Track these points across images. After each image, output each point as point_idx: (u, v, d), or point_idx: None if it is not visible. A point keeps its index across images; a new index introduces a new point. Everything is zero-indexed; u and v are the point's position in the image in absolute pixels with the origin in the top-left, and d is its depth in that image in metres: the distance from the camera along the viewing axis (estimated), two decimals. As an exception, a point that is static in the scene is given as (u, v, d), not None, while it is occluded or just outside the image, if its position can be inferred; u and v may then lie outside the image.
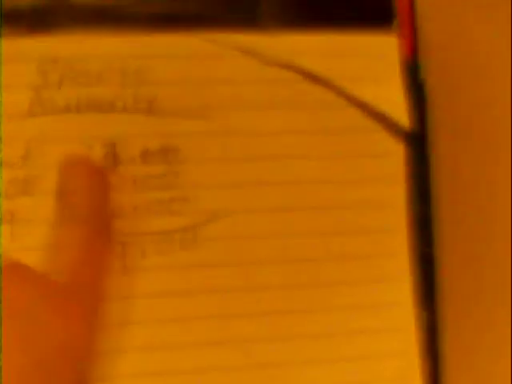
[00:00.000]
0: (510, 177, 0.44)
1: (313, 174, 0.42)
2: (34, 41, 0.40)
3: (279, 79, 0.41)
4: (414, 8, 0.43)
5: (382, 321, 0.42)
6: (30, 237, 0.39)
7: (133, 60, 0.40)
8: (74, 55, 0.40)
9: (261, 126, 0.41)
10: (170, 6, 0.41)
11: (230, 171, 0.41)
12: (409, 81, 0.42)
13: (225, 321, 0.41)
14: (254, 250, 0.41)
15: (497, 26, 0.44)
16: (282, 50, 0.41)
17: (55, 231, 0.36)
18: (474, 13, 0.44)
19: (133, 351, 0.40)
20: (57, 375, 0.32)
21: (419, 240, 0.42)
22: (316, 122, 0.42)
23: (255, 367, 0.41)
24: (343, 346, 0.42)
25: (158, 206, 0.40)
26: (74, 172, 0.38)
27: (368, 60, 0.42)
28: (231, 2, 0.41)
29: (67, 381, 0.32)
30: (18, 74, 0.40)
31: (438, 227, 0.42)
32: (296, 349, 0.41)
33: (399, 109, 0.42)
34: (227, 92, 0.41)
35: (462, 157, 0.44)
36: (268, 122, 0.41)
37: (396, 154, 0.42)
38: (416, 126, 0.42)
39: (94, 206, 0.37)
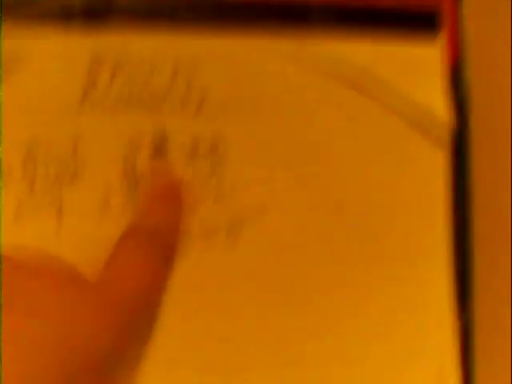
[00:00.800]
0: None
1: (353, 180, 0.43)
2: (85, 38, 0.41)
3: (323, 86, 0.43)
4: (459, 19, 0.43)
5: (420, 320, 0.42)
6: (77, 229, 0.41)
7: (183, 60, 0.42)
8: (126, 53, 0.42)
9: (306, 127, 0.42)
10: (222, 12, 0.42)
11: (274, 167, 0.42)
12: (452, 92, 0.43)
13: (265, 312, 0.42)
14: (298, 246, 0.42)
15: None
16: (327, 58, 0.43)
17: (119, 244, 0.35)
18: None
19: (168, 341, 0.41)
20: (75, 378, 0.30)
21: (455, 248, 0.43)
22: (358, 130, 0.43)
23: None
24: (382, 344, 0.42)
25: (205, 200, 0.41)
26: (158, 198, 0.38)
27: (411, 69, 0.43)
28: (281, 11, 0.43)
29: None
30: (70, 71, 0.41)
31: (476, 234, 0.43)
32: (329, 345, 0.42)
33: (441, 119, 0.43)
34: (272, 96, 0.42)
35: (502, 169, 0.44)
36: (312, 127, 0.42)
37: (436, 164, 0.43)
38: (458, 137, 0.43)
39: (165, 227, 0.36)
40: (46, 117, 0.41)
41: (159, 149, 0.41)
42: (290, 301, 0.42)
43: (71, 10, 0.42)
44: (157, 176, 0.40)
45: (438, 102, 0.43)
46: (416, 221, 0.43)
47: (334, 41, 0.43)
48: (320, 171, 0.42)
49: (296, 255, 0.42)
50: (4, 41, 0.41)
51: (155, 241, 0.35)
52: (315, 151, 0.42)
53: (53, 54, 0.42)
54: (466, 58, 0.43)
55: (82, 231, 0.41)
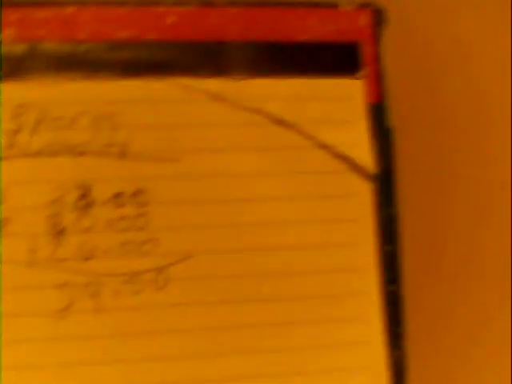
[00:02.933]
0: (478, 213, 0.45)
1: (281, 215, 0.42)
2: (9, 87, 0.41)
3: (247, 123, 0.42)
4: (380, 56, 0.44)
5: (351, 360, 0.43)
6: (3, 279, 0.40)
7: (105, 105, 0.41)
8: (48, 101, 0.41)
9: (230, 168, 0.42)
10: (140, 53, 0.42)
11: (201, 213, 0.42)
12: (376, 125, 0.43)
13: (198, 360, 0.41)
14: (225, 289, 0.42)
15: (465, 75, 0.45)
16: (249, 95, 0.42)
17: None
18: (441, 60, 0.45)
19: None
20: None
21: (386, 279, 0.43)
22: (284, 165, 0.43)
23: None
24: (310, 361, 0.42)
25: (131, 247, 0.41)
26: None
27: (333, 103, 0.43)
28: (201, 50, 0.42)
29: None
30: None
31: (405, 266, 0.43)
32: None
33: (364, 151, 0.43)
34: (197, 136, 0.42)
35: (428, 199, 0.45)
36: (237, 164, 0.42)
37: (363, 195, 0.43)
38: (382, 168, 0.43)
39: None
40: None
41: (84, 195, 0.41)
42: (221, 345, 0.42)
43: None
44: None
45: (362, 134, 0.43)
46: (344, 254, 0.43)
47: (256, 77, 0.43)
48: (247, 211, 0.42)
49: (223, 297, 0.42)
50: None
51: None
52: (241, 192, 0.42)
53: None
54: (387, 93, 0.43)
55: (9, 280, 0.40)
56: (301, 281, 0.42)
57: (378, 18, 0.44)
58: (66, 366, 0.40)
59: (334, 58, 0.43)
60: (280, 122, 0.42)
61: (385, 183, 0.43)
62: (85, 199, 0.41)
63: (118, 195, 0.41)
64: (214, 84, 0.42)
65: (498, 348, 0.45)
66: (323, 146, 0.43)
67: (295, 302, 0.42)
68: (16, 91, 0.41)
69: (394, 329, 0.42)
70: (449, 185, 0.45)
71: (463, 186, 0.45)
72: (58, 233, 0.41)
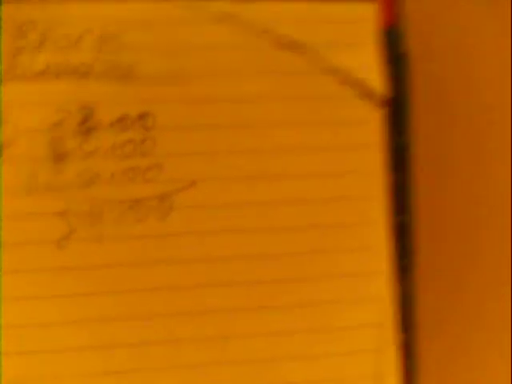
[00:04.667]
0: (487, 144, 0.44)
1: (288, 142, 0.41)
2: (12, 6, 0.39)
3: (255, 46, 0.41)
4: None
5: (358, 291, 0.42)
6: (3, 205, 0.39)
7: (110, 25, 0.40)
8: (53, 19, 0.40)
9: (237, 92, 0.41)
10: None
11: (207, 139, 0.41)
12: (389, 50, 0.42)
13: (200, 291, 0.41)
14: (229, 217, 0.41)
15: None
16: (258, 17, 0.41)
17: None
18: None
19: (103, 321, 0.40)
20: None
21: (395, 209, 0.42)
22: (292, 89, 0.41)
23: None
24: (318, 316, 0.41)
25: (135, 173, 0.40)
26: None
27: (344, 26, 0.42)
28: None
29: None
30: None
31: (414, 196, 0.42)
32: (272, 319, 0.41)
33: (374, 76, 0.42)
34: (204, 58, 0.41)
35: (441, 127, 0.44)
36: (244, 88, 0.41)
37: (373, 122, 0.42)
38: (394, 94, 0.42)
39: None
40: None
41: (87, 118, 0.40)
42: (225, 276, 0.41)
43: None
44: None
45: (373, 59, 0.42)
46: (353, 182, 0.42)
47: (266, -1, 0.42)
48: (253, 137, 0.41)
49: (226, 227, 0.41)
50: None
51: None
52: (248, 117, 0.41)
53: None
54: (402, 17, 0.42)
55: (8, 207, 0.39)
56: (307, 210, 0.41)
57: None
58: (67, 296, 0.39)
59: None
60: (289, 46, 0.41)
61: (396, 110, 0.42)
62: (88, 123, 0.40)
63: (122, 119, 0.40)
64: (222, 5, 0.41)
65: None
66: (333, 71, 0.42)
67: (301, 232, 0.41)
68: (19, 10, 0.40)
69: (402, 260, 0.42)
70: (463, 114, 0.44)
71: (474, 116, 0.44)
72: (60, 158, 0.39)
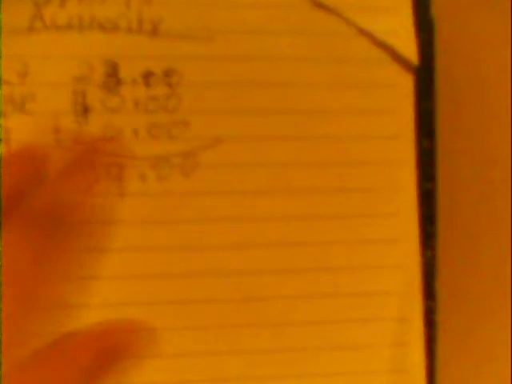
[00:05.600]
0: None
1: (319, 103, 0.41)
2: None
3: (287, 5, 0.40)
4: None
5: (386, 257, 0.41)
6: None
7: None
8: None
9: (266, 51, 0.40)
10: None
11: (233, 96, 0.40)
12: (419, 16, 0.41)
13: (222, 251, 0.40)
14: (254, 178, 0.40)
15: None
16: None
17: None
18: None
19: (126, 278, 0.39)
20: None
21: (422, 175, 0.41)
22: (323, 50, 0.41)
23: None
24: (345, 281, 0.41)
25: (159, 129, 0.39)
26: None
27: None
28: None
29: None
30: None
31: (441, 163, 0.42)
32: (298, 282, 0.41)
33: (408, 41, 0.41)
34: (233, 16, 0.40)
35: (469, 94, 0.43)
36: (274, 47, 0.40)
37: (403, 87, 0.41)
38: (423, 60, 0.41)
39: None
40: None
41: (111, 73, 0.39)
42: (248, 236, 0.40)
43: None
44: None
45: (405, 23, 0.41)
46: (383, 146, 0.41)
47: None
48: (282, 98, 0.40)
49: (253, 187, 0.40)
50: None
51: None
52: (277, 77, 0.40)
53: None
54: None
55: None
56: (336, 173, 0.41)
57: None
58: (87, 251, 0.39)
59: None
60: (320, 6, 0.41)
61: (424, 76, 0.41)
62: (113, 77, 0.39)
63: (147, 74, 0.39)
64: (252, -38, 0.40)
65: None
66: (365, 33, 0.41)
67: (329, 195, 0.41)
68: None
69: (428, 228, 0.41)
70: (488, 80, 0.43)
71: (503, 86, 0.44)
72: (84, 111, 0.39)
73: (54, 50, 0.39)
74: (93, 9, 0.39)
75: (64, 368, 0.30)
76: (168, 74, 0.39)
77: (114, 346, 0.31)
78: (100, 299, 0.38)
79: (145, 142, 0.39)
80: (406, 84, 0.41)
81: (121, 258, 0.39)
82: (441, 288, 0.41)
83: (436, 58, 0.42)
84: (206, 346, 0.40)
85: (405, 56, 0.41)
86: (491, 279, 0.43)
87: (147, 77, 0.39)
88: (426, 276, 0.41)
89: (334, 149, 0.41)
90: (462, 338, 0.42)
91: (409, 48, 0.41)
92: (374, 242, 0.41)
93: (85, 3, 0.39)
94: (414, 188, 0.41)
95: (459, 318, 0.42)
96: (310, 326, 0.41)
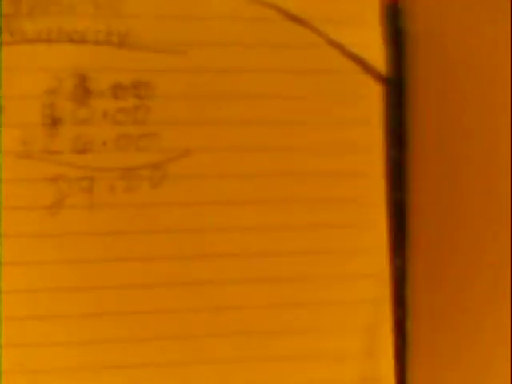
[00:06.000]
0: (486, 121, 0.43)
1: (287, 114, 0.41)
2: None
3: (257, 17, 0.41)
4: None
5: (356, 266, 0.42)
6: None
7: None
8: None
9: (236, 63, 0.40)
10: None
11: (202, 108, 0.40)
12: (389, 26, 0.42)
13: (191, 262, 0.40)
14: (224, 189, 0.40)
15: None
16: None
17: None
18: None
19: (91, 289, 0.40)
20: None
21: (392, 185, 0.41)
22: (293, 62, 0.41)
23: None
24: (316, 290, 0.41)
25: (128, 141, 0.40)
26: None
27: (347, 1, 0.41)
28: None
29: None
30: None
31: (411, 173, 0.42)
32: (267, 292, 0.41)
33: (377, 52, 0.41)
34: (204, 28, 0.40)
35: (439, 105, 0.43)
36: (244, 60, 0.41)
37: (373, 98, 0.41)
38: (393, 71, 0.41)
39: None
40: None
41: (80, 85, 0.39)
42: (218, 247, 0.41)
43: None
44: None
45: (375, 35, 0.42)
46: (351, 158, 0.41)
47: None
48: (252, 109, 0.41)
49: (221, 197, 0.40)
50: None
51: None
52: (247, 88, 0.41)
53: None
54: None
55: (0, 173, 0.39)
56: (304, 184, 0.41)
57: None
58: (56, 263, 0.39)
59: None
60: (292, 18, 0.41)
61: (395, 87, 0.41)
62: (82, 89, 0.39)
63: (117, 86, 0.39)
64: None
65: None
66: (335, 45, 0.41)
67: (297, 204, 0.41)
68: None
69: (397, 237, 0.41)
70: (461, 92, 0.44)
71: (473, 95, 0.44)
72: (53, 124, 0.39)
73: (23, 62, 0.39)
74: (61, 22, 0.39)
75: None
76: (137, 85, 0.40)
77: None
78: (68, 312, 0.39)
79: (114, 153, 0.39)
80: (376, 95, 0.41)
81: (87, 268, 0.39)
82: (411, 296, 0.42)
83: (407, 68, 0.42)
84: (174, 357, 0.40)
85: (375, 67, 0.41)
86: (462, 287, 0.43)
87: (116, 88, 0.39)
88: (396, 284, 0.41)
89: (303, 160, 0.41)
90: (432, 346, 0.42)
91: (378, 59, 0.41)
92: (345, 251, 0.41)
93: (53, 16, 0.39)
94: (383, 198, 0.41)
95: (429, 326, 0.42)
96: (279, 335, 0.41)
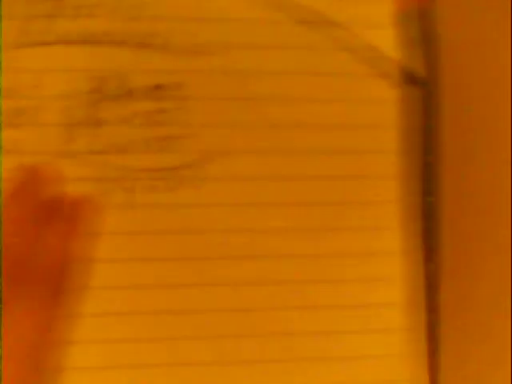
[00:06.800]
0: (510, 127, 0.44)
1: (311, 117, 0.42)
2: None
3: (279, 21, 0.42)
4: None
5: (386, 270, 0.42)
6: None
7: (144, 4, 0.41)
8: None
9: (262, 65, 0.41)
10: None
11: (233, 110, 0.41)
12: (422, 30, 0.42)
13: (230, 262, 0.41)
14: (254, 191, 0.41)
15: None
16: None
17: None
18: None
19: (132, 288, 0.40)
20: None
21: (422, 189, 0.42)
22: (314, 65, 0.42)
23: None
24: (337, 293, 0.42)
25: (168, 142, 0.40)
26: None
27: (365, 6, 0.42)
28: None
29: None
30: (7, 4, 0.40)
31: (441, 179, 0.42)
32: (298, 294, 0.41)
33: (393, 56, 0.42)
34: (237, 31, 0.41)
35: (466, 108, 0.44)
36: (269, 62, 0.42)
37: (389, 101, 0.42)
38: (424, 76, 0.42)
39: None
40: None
41: (121, 87, 0.40)
42: (248, 247, 0.41)
43: None
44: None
45: (391, 40, 0.42)
46: (367, 161, 0.42)
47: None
48: (279, 109, 0.41)
49: (260, 199, 0.41)
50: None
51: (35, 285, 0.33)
52: (272, 87, 0.41)
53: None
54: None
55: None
56: (327, 186, 0.42)
57: None
58: (100, 262, 0.39)
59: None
60: (312, 22, 0.42)
61: (426, 93, 0.42)
62: (123, 90, 0.40)
63: (156, 88, 0.40)
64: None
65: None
66: (353, 49, 0.42)
67: (322, 207, 0.42)
68: None
69: (429, 241, 0.42)
70: (491, 98, 0.44)
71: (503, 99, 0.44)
72: (95, 124, 0.40)
73: (64, 63, 0.40)
74: (80, 24, 0.40)
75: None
76: (176, 87, 0.40)
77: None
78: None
79: (154, 154, 0.40)
80: (392, 99, 0.42)
81: (130, 267, 0.40)
82: (443, 301, 0.42)
83: (439, 74, 0.42)
84: (202, 356, 0.41)
85: (391, 71, 0.42)
86: (494, 292, 0.43)
87: (156, 90, 0.40)
88: (428, 289, 0.42)
89: (322, 162, 0.42)
90: (465, 350, 0.43)
91: (395, 63, 0.42)
92: (377, 254, 0.42)
93: (72, 18, 0.40)
94: (397, 202, 0.42)
95: (461, 331, 0.43)
96: (311, 337, 0.41)
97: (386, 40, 0.42)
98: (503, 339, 0.43)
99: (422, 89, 0.42)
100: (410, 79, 0.42)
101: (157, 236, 0.40)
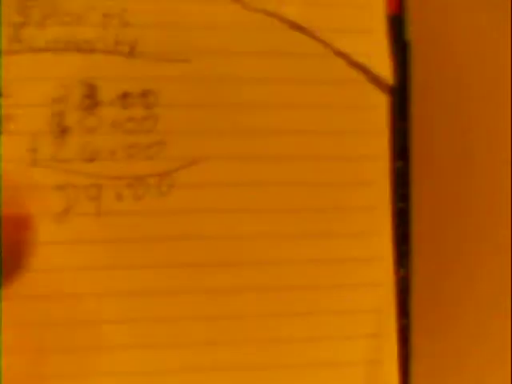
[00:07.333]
0: (489, 132, 0.44)
1: (293, 123, 0.41)
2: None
3: (262, 26, 0.41)
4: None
5: (359, 276, 0.42)
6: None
7: (115, 1, 0.40)
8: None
9: (242, 72, 0.41)
10: None
11: (209, 117, 0.40)
12: (394, 37, 0.42)
13: (198, 269, 0.40)
14: (231, 197, 0.41)
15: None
16: (267, -2, 0.41)
17: None
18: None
19: (97, 296, 0.40)
20: None
21: (396, 195, 0.42)
22: (298, 72, 0.41)
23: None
24: (321, 299, 0.41)
25: (135, 149, 0.40)
26: None
27: (353, 10, 0.42)
28: None
29: None
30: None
31: (415, 184, 0.42)
32: (275, 300, 0.41)
33: (382, 61, 0.42)
34: (210, 37, 0.41)
35: (442, 115, 0.44)
36: (250, 69, 0.41)
37: (379, 108, 0.42)
38: (398, 81, 0.42)
39: None
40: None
41: (89, 94, 0.39)
42: (226, 254, 0.41)
43: None
44: None
45: (381, 45, 0.42)
46: (357, 167, 0.42)
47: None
48: (256, 119, 0.41)
49: (228, 205, 0.41)
50: None
51: None
52: (253, 98, 0.41)
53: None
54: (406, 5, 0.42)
55: (7, 181, 0.39)
56: (310, 193, 0.41)
57: None
58: (64, 270, 0.39)
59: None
60: (296, 27, 0.41)
61: (399, 97, 0.42)
62: (91, 98, 0.40)
63: (125, 95, 0.40)
64: (229, -17, 0.41)
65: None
66: (340, 54, 0.41)
67: (304, 213, 0.41)
68: None
69: (401, 247, 0.42)
70: (465, 103, 0.44)
71: (479, 105, 0.44)
72: (61, 132, 0.39)
73: (32, 71, 0.39)
74: (70, 32, 0.39)
75: None
76: (145, 95, 0.40)
77: None
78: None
79: (121, 162, 0.40)
80: (382, 105, 0.42)
81: (94, 275, 0.40)
82: (415, 306, 0.42)
83: (412, 78, 0.42)
84: (185, 363, 0.41)
85: (380, 77, 0.42)
86: (466, 297, 0.43)
87: (125, 98, 0.40)
88: (400, 294, 0.42)
89: (308, 169, 0.41)
90: (436, 355, 0.43)
91: (384, 69, 0.42)
92: (348, 260, 0.41)
93: (62, 26, 0.39)
94: (388, 208, 0.42)
95: (433, 335, 0.43)
96: (285, 344, 0.41)
97: (376, 46, 0.42)
98: (476, 344, 0.43)
99: (392, 95, 0.42)
100: (379, 85, 0.42)
101: (124, 244, 0.40)
